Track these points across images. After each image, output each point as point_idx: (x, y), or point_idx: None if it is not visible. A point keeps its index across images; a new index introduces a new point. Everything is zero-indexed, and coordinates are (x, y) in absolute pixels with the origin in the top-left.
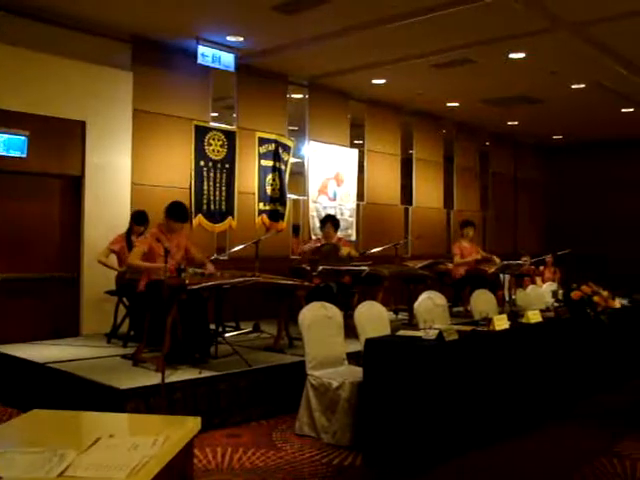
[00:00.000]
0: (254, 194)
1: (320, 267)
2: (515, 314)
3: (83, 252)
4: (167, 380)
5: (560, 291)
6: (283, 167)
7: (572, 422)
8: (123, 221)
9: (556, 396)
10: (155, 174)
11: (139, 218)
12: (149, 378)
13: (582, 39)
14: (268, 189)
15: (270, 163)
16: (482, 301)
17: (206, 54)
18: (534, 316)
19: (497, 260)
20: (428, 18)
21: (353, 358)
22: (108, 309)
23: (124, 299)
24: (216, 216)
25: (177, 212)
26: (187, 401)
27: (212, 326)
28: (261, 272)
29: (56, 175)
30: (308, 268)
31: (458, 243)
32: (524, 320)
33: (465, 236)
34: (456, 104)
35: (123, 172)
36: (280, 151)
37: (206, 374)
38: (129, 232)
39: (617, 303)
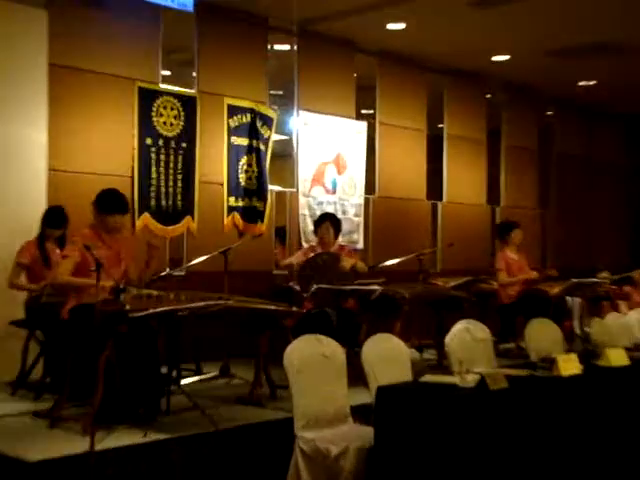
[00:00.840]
0: (222, 185)
1: (314, 286)
2: (590, 353)
3: None
4: (98, 447)
5: None
6: (263, 147)
7: None
8: (35, 223)
9: None
10: (82, 156)
11: (53, 218)
12: (72, 445)
13: None
14: (242, 178)
15: (245, 142)
16: (541, 334)
17: None
18: (617, 356)
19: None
20: None
21: (360, 414)
22: (14, 347)
23: (37, 332)
24: (169, 215)
25: (110, 201)
26: (126, 477)
27: (163, 369)
28: (232, 293)
29: None
30: (297, 288)
31: (502, 254)
32: (602, 362)
33: (511, 243)
34: (505, 57)
35: (35, 153)
36: (259, 125)
37: (154, 437)
38: (42, 238)
39: None
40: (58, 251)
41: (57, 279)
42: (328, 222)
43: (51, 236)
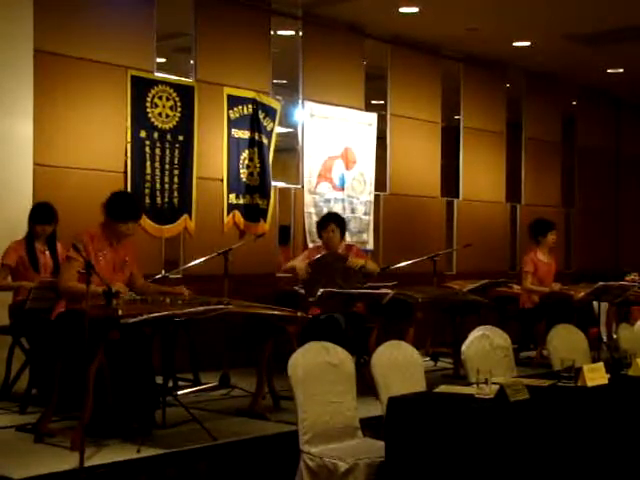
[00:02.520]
0: (222, 181)
1: (320, 290)
2: (618, 362)
3: None
4: (88, 463)
5: None
6: (265, 141)
7: None
8: (20, 222)
9: None
10: (70, 150)
11: (42, 214)
12: (60, 461)
13: None
14: (243, 174)
15: (246, 135)
16: (565, 342)
17: None
18: None
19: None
20: None
21: (370, 427)
22: None
23: (22, 340)
24: (165, 214)
25: (123, 208)
26: None
27: (158, 379)
28: (232, 298)
29: None
30: (303, 292)
31: (532, 255)
32: (632, 372)
33: (544, 245)
34: (527, 44)
35: (20, 147)
36: (261, 117)
37: (148, 453)
38: (30, 238)
39: None
40: (48, 253)
41: (65, 288)
42: (333, 223)
43: (42, 234)
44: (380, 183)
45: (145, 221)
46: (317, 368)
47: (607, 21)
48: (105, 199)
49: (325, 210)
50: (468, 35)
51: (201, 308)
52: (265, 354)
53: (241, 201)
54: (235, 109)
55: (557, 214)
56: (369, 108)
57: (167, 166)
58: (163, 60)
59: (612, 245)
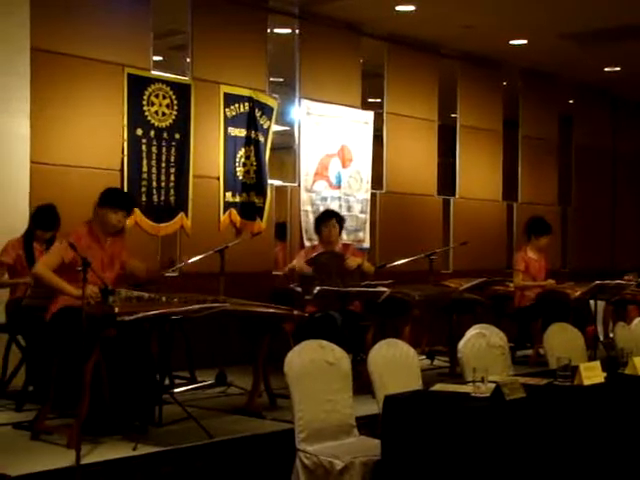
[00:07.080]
0: (218, 179)
1: (317, 288)
2: (614, 361)
3: None
4: (84, 461)
5: None
6: (262, 139)
7: None
8: (17, 220)
9: None
10: (67, 148)
11: (44, 219)
12: (56, 458)
13: None
14: (239, 172)
15: (242, 133)
16: (562, 340)
17: None
18: None
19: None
20: None
21: (366, 425)
22: None
23: (19, 337)
24: (161, 212)
25: (117, 196)
26: None
27: (155, 377)
28: (229, 296)
29: None
30: (299, 290)
31: (523, 253)
32: (629, 371)
33: (535, 245)
34: (523, 42)
35: (17, 145)
36: (257, 115)
37: (145, 450)
38: (29, 237)
39: None
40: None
41: (35, 268)
42: (334, 220)
43: (41, 237)
44: (376, 181)
45: (141, 219)
46: (313, 366)
47: (604, 20)
48: (101, 192)
49: (322, 208)
50: (465, 33)
51: (197, 306)
52: (261, 352)
53: (237, 199)
54: (232, 107)
55: (553, 212)
56: (366, 106)
57: (163, 164)
58: (160, 58)
59: (608, 244)
